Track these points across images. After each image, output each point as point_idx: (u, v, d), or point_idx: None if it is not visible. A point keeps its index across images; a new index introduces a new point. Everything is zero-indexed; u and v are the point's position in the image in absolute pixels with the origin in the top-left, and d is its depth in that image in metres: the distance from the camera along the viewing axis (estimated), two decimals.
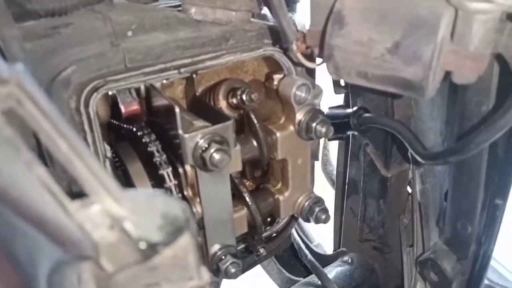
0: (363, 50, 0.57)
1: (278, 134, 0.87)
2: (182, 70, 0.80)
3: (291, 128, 0.87)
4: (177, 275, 0.36)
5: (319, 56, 0.68)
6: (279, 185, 0.96)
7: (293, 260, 1.50)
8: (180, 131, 0.73)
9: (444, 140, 1.08)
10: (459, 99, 0.81)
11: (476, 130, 0.66)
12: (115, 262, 0.33)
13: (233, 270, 0.84)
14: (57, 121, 0.29)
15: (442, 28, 0.51)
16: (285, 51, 0.82)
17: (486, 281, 1.29)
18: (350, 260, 1.32)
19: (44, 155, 0.60)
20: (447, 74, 0.59)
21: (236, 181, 0.90)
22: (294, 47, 0.71)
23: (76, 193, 0.32)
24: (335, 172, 1.51)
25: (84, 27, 0.77)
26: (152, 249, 0.31)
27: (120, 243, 0.32)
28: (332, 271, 1.31)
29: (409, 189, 1.21)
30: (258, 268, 1.38)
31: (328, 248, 1.60)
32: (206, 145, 0.74)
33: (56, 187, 0.29)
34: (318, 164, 1.22)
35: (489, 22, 0.52)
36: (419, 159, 0.83)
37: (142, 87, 0.87)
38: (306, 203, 0.95)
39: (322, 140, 1.64)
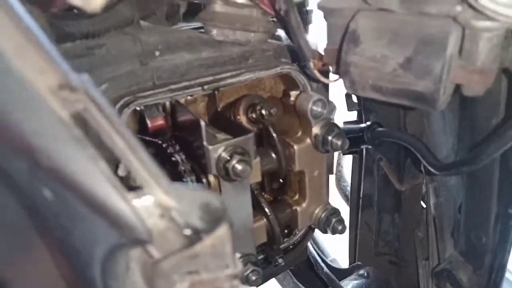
0: (377, 66, 0.61)
1: (295, 147, 0.91)
2: (205, 87, 0.86)
3: (308, 141, 0.91)
4: (215, 264, 0.40)
5: (335, 73, 0.73)
6: (297, 197, 0.99)
7: (309, 274, 1.51)
8: (205, 143, 0.78)
9: (457, 155, 1.11)
10: (469, 114, 0.85)
11: (487, 141, 0.69)
12: (162, 250, 0.38)
13: (254, 278, 0.88)
14: (116, 123, 0.34)
15: (450, 45, 0.56)
16: (302, 68, 0.87)
17: None
18: (365, 274, 1.33)
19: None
20: (457, 88, 0.64)
21: (256, 192, 0.94)
22: (311, 64, 0.76)
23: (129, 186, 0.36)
24: (349, 188, 1.54)
25: (116, 47, 0.83)
26: (196, 235, 0.36)
27: (168, 231, 0.36)
28: (348, 285, 1.32)
29: (423, 204, 1.24)
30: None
31: (342, 263, 1.61)
32: (229, 156, 0.78)
33: (116, 179, 0.34)
34: (331, 181, 1.25)
35: (494, 39, 0.56)
36: (432, 170, 0.87)
37: (168, 103, 0.93)
38: (323, 214, 0.98)
39: (336, 157, 1.68)
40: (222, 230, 0.37)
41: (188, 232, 0.36)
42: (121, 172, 0.33)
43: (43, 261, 0.47)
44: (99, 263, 0.38)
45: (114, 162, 0.33)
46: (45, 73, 0.31)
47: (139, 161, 0.34)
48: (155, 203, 0.35)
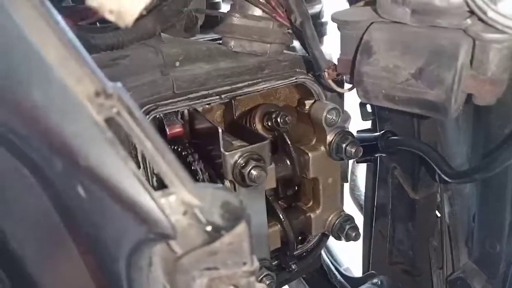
0: (390, 76, 0.63)
1: (310, 155, 0.93)
2: (222, 96, 0.89)
3: (322, 149, 0.94)
4: (233, 260, 0.42)
5: (349, 82, 0.75)
6: (311, 203, 1.01)
7: (323, 282, 1.51)
8: (222, 149, 0.81)
9: (471, 164, 1.11)
10: (483, 123, 0.86)
11: (501, 149, 0.70)
12: (184, 245, 0.40)
13: (267, 282, 0.89)
14: (147, 128, 0.37)
15: (461, 56, 0.58)
16: (317, 78, 0.90)
17: None
18: (379, 283, 1.33)
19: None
20: (469, 97, 0.65)
21: (270, 198, 0.97)
22: (326, 74, 0.79)
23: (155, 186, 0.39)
24: (362, 197, 1.55)
25: (139, 58, 0.87)
26: (217, 232, 0.38)
27: (190, 227, 0.39)
28: None
29: (437, 213, 1.24)
30: None
31: (356, 272, 1.61)
32: (244, 163, 0.81)
33: (144, 178, 0.37)
34: (346, 190, 1.26)
35: (504, 50, 0.58)
36: (446, 178, 0.87)
37: (186, 112, 0.97)
38: (337, 221, 1.00)
39: (350, 166, 1.69)
40: (241, 228, 0.40)
41: (209, 228, 0.38)
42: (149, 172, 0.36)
43: (71, 257, 0.50)
44: (125, 257, 0.41)
45: (143, 163, 0.36)
46: (83, 81, 0.34)
47: (165, 163, 0.37)
48: (179, 201, 0.38)
